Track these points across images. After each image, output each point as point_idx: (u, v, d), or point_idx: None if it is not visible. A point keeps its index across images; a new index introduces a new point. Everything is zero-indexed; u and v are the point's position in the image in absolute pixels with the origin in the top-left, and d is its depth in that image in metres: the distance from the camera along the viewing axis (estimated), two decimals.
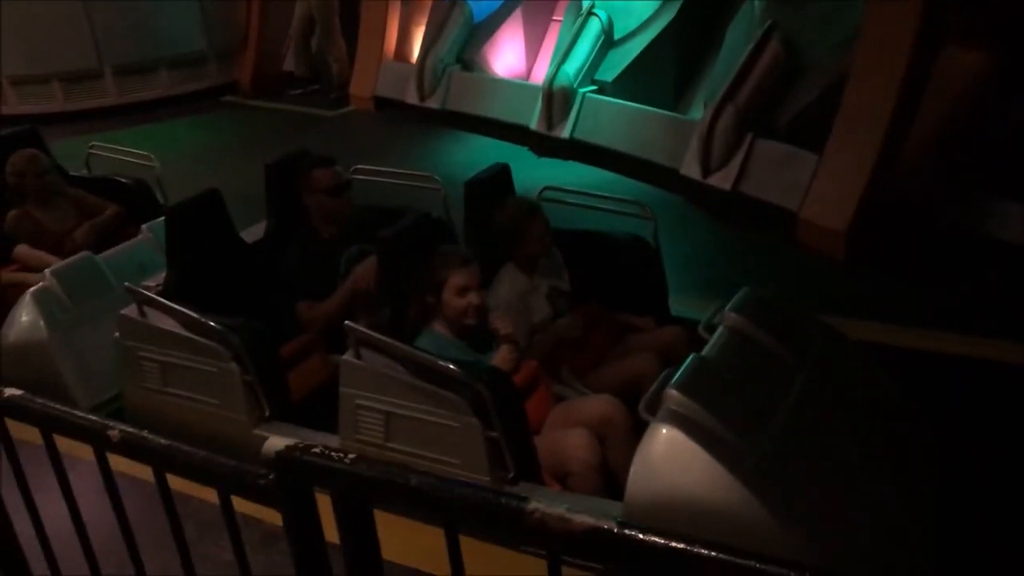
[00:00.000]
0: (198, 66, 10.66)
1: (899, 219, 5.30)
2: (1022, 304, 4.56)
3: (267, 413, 3.44)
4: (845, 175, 5.28)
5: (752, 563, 0.89)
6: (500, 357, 3.13)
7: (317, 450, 1.17)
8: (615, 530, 0.95)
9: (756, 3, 6.26)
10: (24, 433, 1.78)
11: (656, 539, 0.93)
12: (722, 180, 6.04)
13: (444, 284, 3.17)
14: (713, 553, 0.91)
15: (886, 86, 5.08)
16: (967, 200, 5.31)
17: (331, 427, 3.26)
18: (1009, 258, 5.01)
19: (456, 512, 1.11)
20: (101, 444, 1.44)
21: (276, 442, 1.21)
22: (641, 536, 0.94)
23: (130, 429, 1.39)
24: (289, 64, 10.89)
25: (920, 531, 2.79)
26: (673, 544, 0.92)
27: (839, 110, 5.37)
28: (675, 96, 7.31)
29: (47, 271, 4.15)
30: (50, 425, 1.54)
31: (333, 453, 1.16)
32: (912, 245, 5.22)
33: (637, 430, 2.90)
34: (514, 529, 1.02)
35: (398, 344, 3.03)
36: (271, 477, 1.23)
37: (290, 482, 1.22)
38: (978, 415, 3.64)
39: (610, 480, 3.06)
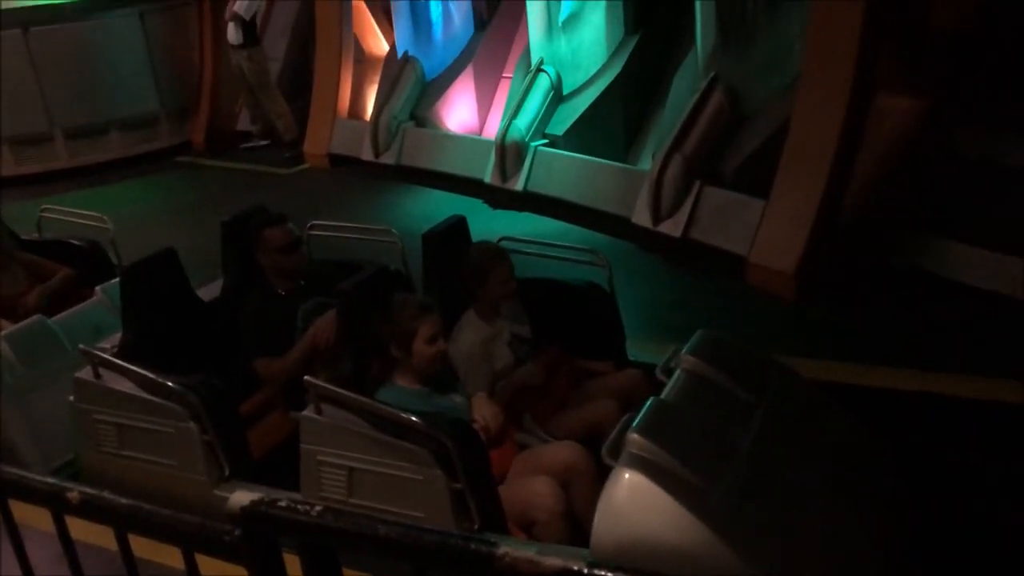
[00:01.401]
0: (150, 127, 10.59)
1: (846, 259, 5.43)
2: (967, 338, 4.69)
3: (227, 472, 3.39)
4: (791, 218, 5.41)
5: None
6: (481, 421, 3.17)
7: (283, 503, 1.17)
8: (585, 571, 0.96)
9: (699, 54, 6.45)
10: None
11: None
12: (672, 227, 6.15)
13: (414, 335, 3.17)
14: None
15: (827, 131, 5.25)
16: (910, 238, 5.47)
17: (293, 485, 3.22)
18: (949, 293, 5.15)
19: (426, 559, 1.11)
20: (59, 506, 1.41)
21: (241, 497, 1.21)
22: (611, 575, 0.95)
23: (89, 490, 1.37)
24: (243, 123, 10.90)
25: (884, 567, 2.82)
26: None
27: (783, 155, 5.53)
28: (624, 147, 7.46)
29: None
30: (5, 490, 1.51)
31: (299, 506, 1.16)
32: (859, 283, 5.34)
33: (601, 475, 2.90)
34: (484, 573, 1.02)
35: (359, 397, 3.02)
36: (237, 533, 1.22)
37: (257, 537, 1.21)
38: (935, 449, 3.71)
39: (576, 527, 3.05)
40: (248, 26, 9.56)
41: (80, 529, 1.63)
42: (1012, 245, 5.02)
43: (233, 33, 9.59)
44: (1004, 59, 5.35)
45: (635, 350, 4.09)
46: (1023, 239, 4.98)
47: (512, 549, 1.02)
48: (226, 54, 10.38)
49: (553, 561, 0.98)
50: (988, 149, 5.41)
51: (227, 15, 9.55)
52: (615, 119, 7.39)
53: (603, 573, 0.95)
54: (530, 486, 3.09)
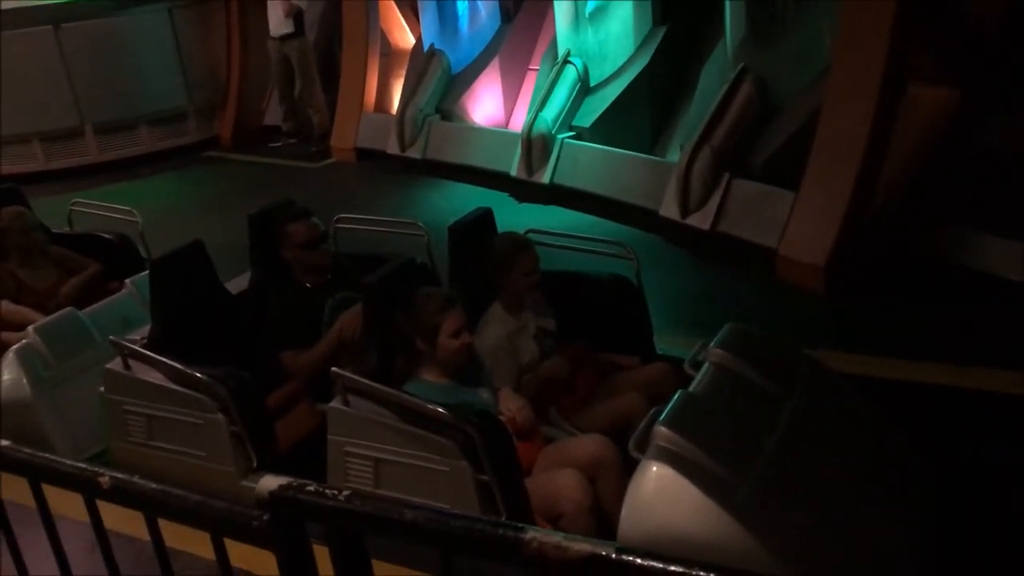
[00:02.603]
0: (179, 122, 10.70)
1: (876, 252, 5.37)
2: (1000, 332, 4.62)
3: (255, 464, 3.41)
4: (821, 211, 5.35)
5: None
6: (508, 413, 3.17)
7: (311, 488, 1.17)
8: (613, 556, 0.95)
9: (728, 46, 6.40)
10: (10, 492, 1.76)
11: (655, 563, 0.93)
12: (701, 220, 6.10)
13: (439, 328, 3.17)
14: (712, 575, 0.91)
15: (858, 123, 5.18)
16: (942, 231, 5.40)
17: (320, 476, 3.23)
18: (983, 287, 5.07)
19: (453, 544, 1.11)
20: (91, 491, 1.42)
21: (269, 482, 1.21)
22: (640, 561, 0.94)
23: (120, 475, 1.37)
24: (270, 118, 10.98)
25: (913, 561, 2.79)
26: (672, 568, 0.92)
27: (813, 147, 5.47)
28: (652, 139, 7.41)
29: (30, 328, 4.13)
30: (38, 474, 1.52)
31: (327, 491, 1.16)
32: (890, 277, 5.28)
33: (627, 469, 2.89)
34: (512, 559, 1.01)
35: (386, 389, 3.03)
36: (265, 518, 1.22)
37: (285, 522, 1.21)
38: (965, 444, 3.66)
39: (602, 520, 3.04)
40: (298, 16, 9.61)
41: (111, 519, 1.64)
42: None
43: (282, 23, 9.62)
44: None
45: (663, 344, 4.06)
46: None
47: (540, 534, 1.01)
48: (254, 50, 10.46)
49: (582, 546, 0.97)
50: (1021, 140, 5.31)
51: (284, 10, 9.56)
52: (642, 111, 7.35)
53: (631, 558, 0.94)
54: (557, 479, 3.08)
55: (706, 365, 3.10)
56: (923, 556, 2.83)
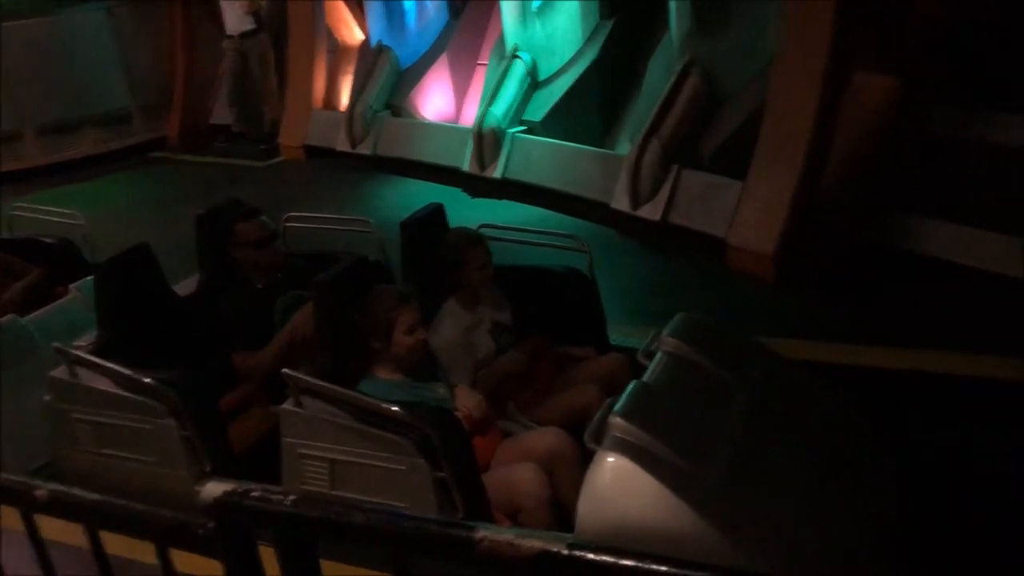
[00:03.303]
0: (123, 123, 10.50)
1: (824, 239, 5.45)
2: (947, 315, 4.72)
3: (208, 468, 3.34)
4: (769, 200, 5.42)
5: (703, 574, 0.90)
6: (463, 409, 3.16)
7: (257, 493, 1.15)
8: (565, 552, 0.94)
9: (674, 38, 6.44)
10: None
11: (607, 558, 0.93)
12: (651, 212, 6.15)
13: (393, 326, 3.14)
14: (664, 568, 0.91)
15: (802, 112, 5.26)
16: (887, 218, 5.49)
17: (275, 479, 3.18)
18: (929, 272, 5.18)
19: (405, 546, 1.09)
20: (27, 505, 1.38)
21: (214, 488, 1.18)
22: (591, 556, 0.93)
23: (58, 487, 1.33)
24: (217, 117, 10.80)
25: (873, 545, 2.82)
26: (624, 562, 0.92)
27: (759, 137, 5.53)
28: (602, 132, 7.45)
29: None
30: None
31: (273, 496, 1.14)
32: (838, 264, 5.36)
33: (585, 461, 2.89)
34: (464, 558, 1.00)
35: (339, 389, 2.99)
36: (210, 526, 1.19)
37: (231, 529, 1.19)
38: (921, 426, 3.73)
39: (561, 513, 3.04)
40: (258, 13, 9.49)
41: (57, 529, 1.59)
42: (990, 221, 5.05)
43: (242, 21, 9.47)
44: (977, 37, 5.36)
45: (617, 335, 4.08)
46: (1001, 215, 5.01)
47: (491, 533, 1.00)
48: (200, 48, 10.29)
49: (533, 543, 0.96)
50: (964, 127, 5.43)
51: (245, 8, 9.39)
52: (592, 104, 7.37)
53: (583, 554, 0.94)
54: (514, 473, 3.07)
55: (659, 354, 3.11)
56: (884, 539, 2.87)
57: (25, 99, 9.69)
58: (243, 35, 9.55)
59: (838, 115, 5.40)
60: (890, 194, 5.52)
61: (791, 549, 2.63)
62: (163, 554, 1.31)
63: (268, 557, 1.31)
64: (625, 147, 6.67)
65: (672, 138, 6.06)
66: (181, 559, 1.46)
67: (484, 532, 1.00)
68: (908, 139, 5.54)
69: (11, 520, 1.71)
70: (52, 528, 1.59)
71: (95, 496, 1.29)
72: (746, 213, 5.56)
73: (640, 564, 0.92)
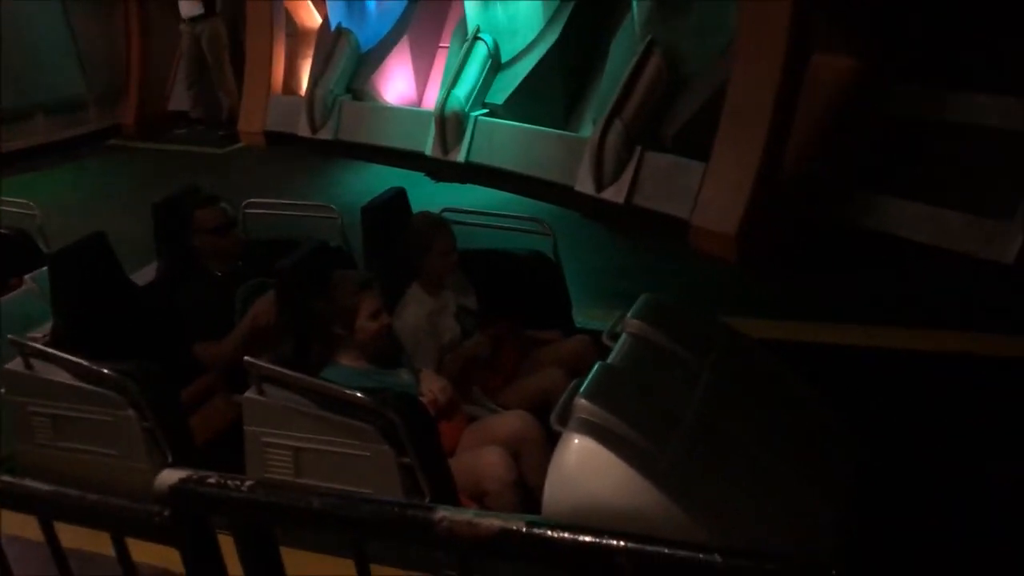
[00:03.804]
0: (78, 110, 10.28)
1: (786, 219, 5.50)
2: (909, 292, 4.79)
3: (170, 460, 3.30)
4: (732, 180, 5.46)
5: (662, 549, 0.90)
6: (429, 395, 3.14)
7: (212, 479, 1.13)
8: (524, 530, 0.94)
9: (636, 20, 6.44)
10: None
11: (565, 535, 0.92)
12: (615, 194, 6.16)
13: (357, 311, 3.11)
14: (623, 543, 0.91)
15: (764, 93, 5.29)
16: (850, 197, 5.56)
17: (239, 469, 3.14)
18: (891, 250, 5.25)
19: (363, 530, 1.08)
20: None
21: (169, 475, 1.16)
22: (550, 533, 0.93)
23: (10, 479, 1.30)
24: (174, 104, 10.63)
25: (835, 521, 2.86)
26: (582, 538, 0.92)
27: (722, 119, 5.56)
28: (565, 115, 7.43)
29: None
30: None
31: (229, 482, 1.12)
32: (800, 243, 5.41)
33: (551, 443, 2.90)
34: (423, 540, 1.00)
35: (302, 376, 2.96)
36: (166, 513, 1.17)
37: (187, 516, 1.17)
38: (881, 402, 3.78)
39: (527, 495, 3.05)
40: None
41: (13, 524, 1.56)
42: (951, 200, 5.13)
43: (193, 5, 9.31)
44: (936, 16, 5.42)
45: (582, 317, 4.09)
46: (962, 193, 5.09)
47: (451, 513, 0.99)
48: (156, 33, 10.11)
49: (492, 522, 0.96)
50: (924, 106, 5.50)
51: None
52: (555, 86, 7.36)
53: (542, 531, 0.93)
54: (480, 457, 3.07)
55: (624, 336, 3.12)
56: (845, 516, 2.91)
57: None
58: (193, 19, 9.40)
59: (799, 96, 5.43)
60: (852, 174, 5.58)
61: (753, 525, 2.66)
62: (119, 543, 1.29)
63: (228, 546, 1.29)
64: (588, 129, 6.67)
65: (635, 120, 6.07)
66: (143, 551, 1.44)
67: (443, 513, 0.99)
68: (868, 119, 5.60)
69: None
70: (11, 523, 1.56)
71: (48, 487, 1.26)
72: (709, 194, 5.59)
73: (598, 540, 0.92)
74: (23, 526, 1.68)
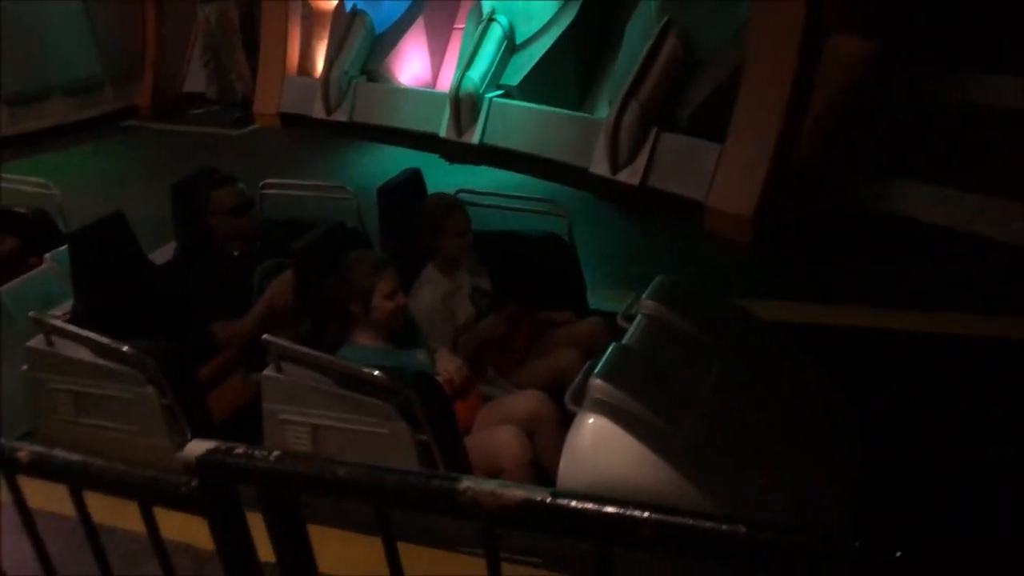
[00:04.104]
0: (94, 91, 10.32)
1: (802, 201, 5.48)
2: (923, 275, 4.77)
3: (189, 436, 3.34)
4: (747, 162, 5.44)
5: (686, 520, 0.91)
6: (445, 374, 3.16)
7: (240, 450, 1.15)
8: (548, 500, 0.96)
9: (652, 1, 6.40)
10: None
11: (589, 505, 0.94)
12: (630, 176, 6.15)
13: (372, 291, 3.13)
14: (647, 514, 0.92)
15: (780, 74, 5.26)
16: (864, 180, 5.53)
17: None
18: (905, 233, 5.23)
19: (388, 500, 1.10)
20: (10, 467, 1.37)
21: (197, 446, 1.18)
22: (574, 504, 0.95)
23: (40, 448, 1.33)
24: (189, 85, 10.65)
25: (842, 500, 2.88)
26: (607, 509, 0.93)
27: (737, 100, 5.53)
28: (580, 96, 7.42)
29: None
30: None
31: (256, 452, 1.14)
32: (815, 225, 5.40)
33: (565, 423, 2.92)
34: (447, 510, 1.01)
35: (320, 354, 2.99)
36: (193, 483, 1.20)
37: (214, 486, 1.19)
38: (891, 384, 3.78)
39: (541, 475, 3.07)
40: None
41: (40, 498, 1.59)
42: (967, 182, 5.10)
43: None
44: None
45: (596, 299, 4.10)
46: (977, 175, 5.06)
47: (474, 483, 1.01)
48: (171, 13, 10.11)
49: (516, 492, 0.97)
50: (941, 89, 5.46)
51: None
52: (570, 67, 7.34)
53: (566, 502, 0.95)
54: (495, 436, 3.09)
55: (638, 318, 3.14)
56: (852, 494, 2.92)
57: None
58: (204, 0, 9.42)
59: (816, 77, 5.40)
60: (868, 156, 5.55)
61: (766, 507, 2.67)
62: (147, 512, 1.32)
63: (253, 523, 1.32)
64: (604, 111, 6.65)
65: (651, 101, 6.05)
66: (166, 527, 1.46)
67: (467, 483, 1.01)
68: (885, 101, 5.56)
69: None
70: (35, 496, 1.59)
71: (77, 457, 1.29)
72: (725, 176, 5.57)
73: (622, 511, 0.94)
74: (45, 499, 1.72)
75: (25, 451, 1.32)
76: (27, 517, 1.48)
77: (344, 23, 8.68)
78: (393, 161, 7.54)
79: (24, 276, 4.31)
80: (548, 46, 7.27)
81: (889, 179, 5.43)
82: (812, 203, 5.51)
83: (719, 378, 2.98)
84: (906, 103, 5.53)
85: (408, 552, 1.28)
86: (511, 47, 7.50)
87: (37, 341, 3.51)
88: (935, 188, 5.22)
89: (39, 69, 9.77)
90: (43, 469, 1.32)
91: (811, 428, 3.10)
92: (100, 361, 3.38)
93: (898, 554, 0.87)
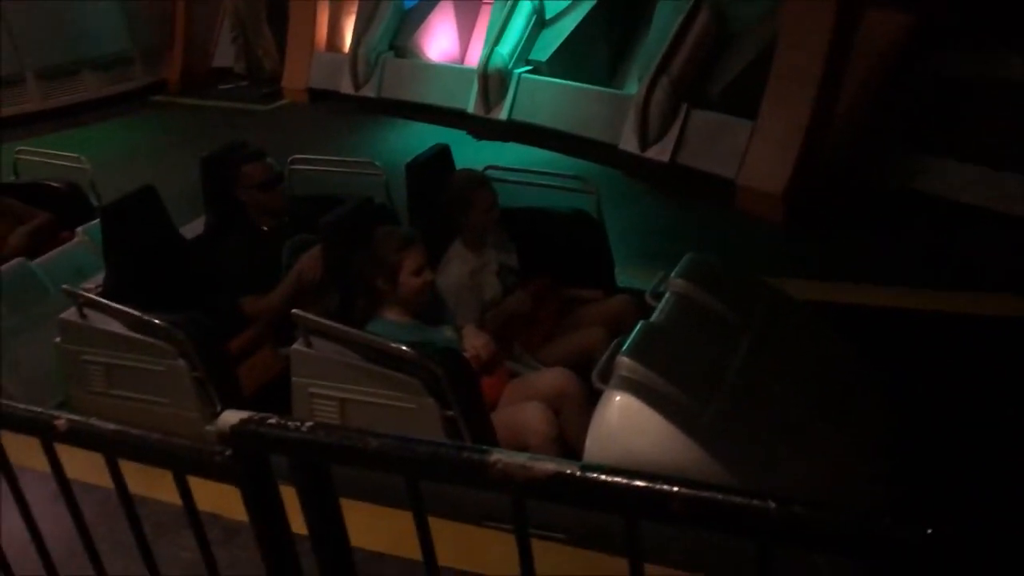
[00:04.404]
0: (123, 66, 10.41)
1: (834, 179, 5.41)
2: (957, 254, 4.71)
3: (219, 408, 3.37)
4: (779, 139, 5.37)
5: (716, 495, 0.91)
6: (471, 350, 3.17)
7: (273, 420, 1.16)
8: (578, 473, 0.96)
9: None
10: None
11: (619, 479, 0.94)
12: (660, 152, 6.10)
13: (400, 266, 3.14)
14: (677, 488, 0.92)
15: (814, 50, 5.18)
16: (896, 157, 5.45)
17: None
18: (939, 212, 5.16)
19: (419, 471, 1.11)
20: (48, 435, 1.40)
21: (230, 416, 1.20)
22: (604, 477, 0.95)
23: (77, 417, 1.35)
24: (218, 60, 10.70)
25: (873, 480, 2.86)
26: (636, 483, 0.93)
27: (770, 77, 5.46)
28: (610, 72, 7.36)
29: None
30: None
31: (289, 423, 1.15)
32: (847, 204, 5.33)
33: (591, 400, 2.92)
34: (478, 481, 1.02)
35: (349, 329, 3.01)
36: (227, 453, 1.21)
37: (248, 455, 1.21)
38: (921, 364, 3.74)
39: (567, 452, 3.08)
40: None
41: (73, 468, 1.62)
42: (1003, 161, 5.01)
43: None
44: None
45: (625, 277, 4.08)
46: (1015, 154, 4.97)
47: (505, 456, 1.01)
48: None
49: (546, 465, 0.97)
50: (978, 65, 5.35)
51: None
52: (600, 43, 7.27)
53: (596, 475, 0.95)
54: (522, 412, 3.10)
55: (667, 295, 3.12)
56: (883, 473, 2.90)
57: (26, 43, 9.59)
58: None
59: (849, 53, 5.32)
60: (902, 133, 5.47)
61: (793, 480, 2.66)
62: (181, 481, 1.34)
63: (284, 494, 1.33)
64: (634, 87, 6.59)
65: (682, 76, 5.98)
66: (197, 497, 1.48)
67: (497, 455, 1.01)
68: (922, 77, 5.46)
69: (24, 458, 1.75)
70: (68, 467, 1.62)
71: (113, 426, 1.31)
72: (756, 153, 5.51)
73: (652, 485, 0.93)
74: (79, 469, 1.75)
75: (63, 420, 1.35)
76: (65, 485, 1.51)
77: None
78: (421, 137, 7.53)
79: (57, 249, 4.38)
80: (578, 21, 7.20)
81: (924, 157, 5.34)
82: (845, 181, 5.44)
83: (748, 357, 2.97)
84: (942, 79, 5.43)
85: (436, 525, 1.29)
86: (540, 22, 7.44)
87: (70, 313, 3.56)
88: (971, 167, 5.13)
89: (69, 44, 9.85)
90: (80, 438, 1.34)
91: (842, 407, 3.07)
92: (131, 334, 3.43)
93: (928, 531, 0.86)
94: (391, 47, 8.68)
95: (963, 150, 5.21)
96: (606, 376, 2.74)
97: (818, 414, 2.96)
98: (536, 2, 7.36)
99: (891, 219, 5.18)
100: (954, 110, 5.34)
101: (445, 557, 1.33)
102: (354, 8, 9.20)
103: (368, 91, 8.65)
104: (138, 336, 3.41)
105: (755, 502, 0.89)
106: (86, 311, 3.53)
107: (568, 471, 0.96)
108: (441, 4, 8.49)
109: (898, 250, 4.89)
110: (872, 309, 4.29)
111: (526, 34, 7.36)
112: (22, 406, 1.47)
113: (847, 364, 3.33)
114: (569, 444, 3.08)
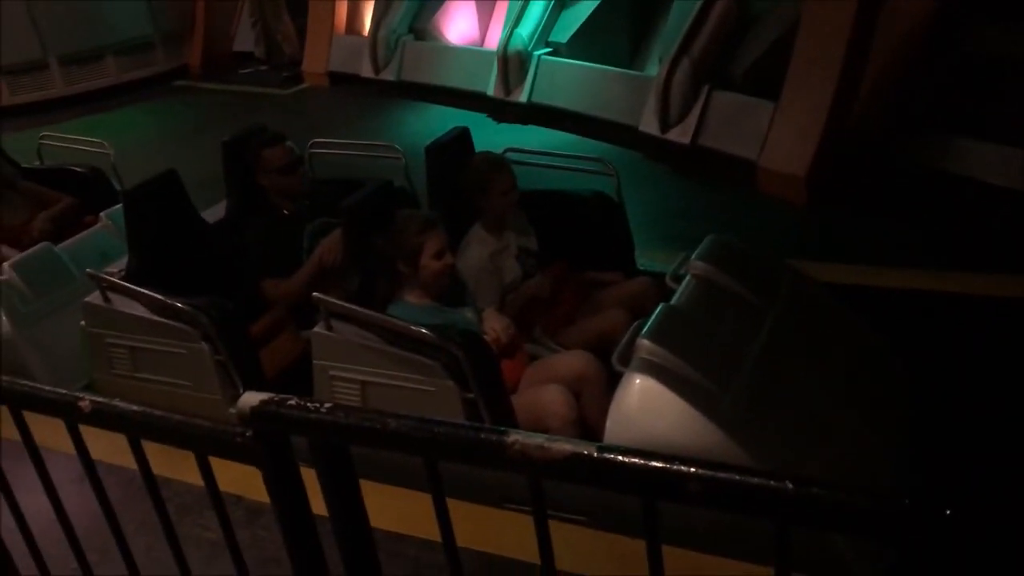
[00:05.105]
0: (145, 52, 10.46)
1: (858, 161, 5.36)
2: (982, 235, 4.65)
3: (241, 391, 3.39)
4: (802, 121, 5.32)
5: (734, 476, 0.91)
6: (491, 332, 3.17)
7: (293, 402, 1.17)
8: (595, 454, 0.96)
9: None
10: None
11: (636, 460, 0.94)
12: (681, 134, 6.06)
13: (421, 250, 3.14)
14: (694, 469, 0.92)
15: (837, 31, 5.12)
16: (922, 138, 5.38)
17: None
18: (965, 192, 5.09)
19: (438, 451, 1.11)
20: (73, 416, 1.42)
21: (251, 398, 1.21)
22: (621, 458, 0.95)
23: (101, 399, 1.37)
24: (238, 45, 10.73)
25: (893, 462, 2.85)
26: (654, 464, 0.93)
27: (792, 57, 5.40)
28: (630, 53, 7.31)
29: (6, 264, 4.08)
30: (19, 401, 1.52)
31: (309, 404, 1.16)
32: (871, 186, 5.28)
33: (611, 383, 2.92)
34: (496, 462, 1.02)
35: (369, 312, 3.02)
36: (248, 434, 1.22)
37: (268, 436, 1.22)
38: (946, 346, 3.71)
39: (587, 435, 3.08)
40: None
41: (97, 449, 1.64)
42: None
43: None
44: None
45: (645, 259, 4.07)
46: None
47: (523, 437, 1.01)
48: None
49: (564, 446, 0.98)
50: (1000, 46, 5.27)
51: None
52: (620, 24, 7.22)
53: (614, 456, 0.95)
54: (542, 395, 3.10)
55: (688, 278, 3.11)
56: (904, 456, 2.89)
57: (49, 29, 9.66)
58: None
59: (873, 33, 5.25)
60: (930, 113, 5.39)
61: (814, 464, 2.65)
62: (203, 461, 1.35)
63: (310, 480, 1.35)
64: (654, 68, 6.55)
65: (703, 58, 5.93)
66: (220, 476, 1.50)
67: (516, 436, 1.01)
68: (946, 57, 5.38)
69: (50, 439, 1.78)
70: (92, 448, 1.65)
71: (136, 407, 1.33)
72: (779, 135, 5.46)
73: (669, 466, 0.93)
74: (103, 450, 1.78)
75: (87, 401, 1.37)
76: (90, 466, 1.53)
77: None
78: (441, 120, 7.52)
79: (81, 234, 4.42)
80: (598, 2, 7.15)
81: (949, 138, 5.27)
82: (870, 163, 5.38)
83: (769, 340, 2.95)
84: (967, 58, 5.35)
85: (455, 507, 1.30)
86: (560, 4, 7.40)
87: (94, 297, 3.60)
88: (996, 147, 5.06)
89: (92, 30, 9.91)
90: (104, 419, 1.36)
91: (862, 390, 3.06)
92: (155, 317, 3.46)
93: (948, 512, 0.86)
94: (411, 30, 8.66)
95: (992, 130, 5.13)
96: (626, 359, 2.74)
97: (839, 398, 2.95)
98: None
99: (917, 201, 5.12)
100: (983, 89, 5.27)
101: (464, 538, 1.34)
102: None
103: (388, 74, 8.65)
104: (161, 319, 3.44)
105: (773, 483, 0.88)
106: (110, 295, 3.57)
107: (585, 452, 0.96)
108: None
109: (921, 232, 4.83)
110: (896, 291, 4.25)
111: (546, 16, 7.32)
112: (47, 388, 1.49)
113: (870, 348, 3.30)
114: (589, 427, 3.09)
